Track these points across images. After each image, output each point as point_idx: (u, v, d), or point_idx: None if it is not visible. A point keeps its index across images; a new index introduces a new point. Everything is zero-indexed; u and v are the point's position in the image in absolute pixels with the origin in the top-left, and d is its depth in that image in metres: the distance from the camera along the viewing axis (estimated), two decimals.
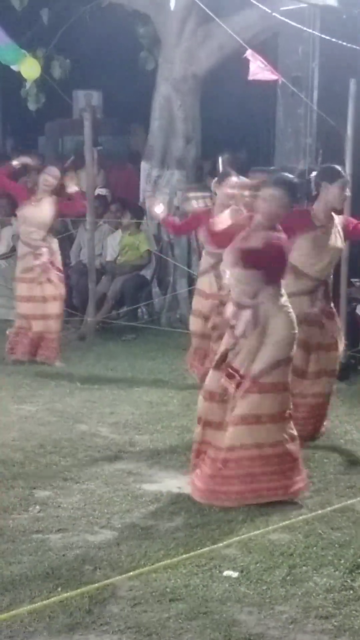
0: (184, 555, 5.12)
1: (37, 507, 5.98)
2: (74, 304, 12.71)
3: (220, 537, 5.47)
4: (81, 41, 13.73)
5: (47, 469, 6.71)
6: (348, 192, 7.43)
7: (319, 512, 5.86)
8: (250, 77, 9.41)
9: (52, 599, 4.61)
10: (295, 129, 11.37)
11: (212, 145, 13.20)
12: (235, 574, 5.04)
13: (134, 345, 11.31)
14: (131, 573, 4.80)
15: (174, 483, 6.49)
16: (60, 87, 13.31)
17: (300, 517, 5.76)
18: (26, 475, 6.55)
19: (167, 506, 6.04)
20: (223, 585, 4.92)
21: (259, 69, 9.35)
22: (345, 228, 7.46)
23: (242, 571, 5.08)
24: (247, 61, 9.51)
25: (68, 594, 4.66)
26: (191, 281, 12.05)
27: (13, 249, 13.46)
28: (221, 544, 5.31)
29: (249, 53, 9.39)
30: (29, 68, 12.04)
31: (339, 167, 7.52)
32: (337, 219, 7.44)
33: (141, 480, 6.54)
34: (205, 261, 8.87)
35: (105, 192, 13.72)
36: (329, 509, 5.94)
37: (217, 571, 5.07)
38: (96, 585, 4.74)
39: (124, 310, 12.52)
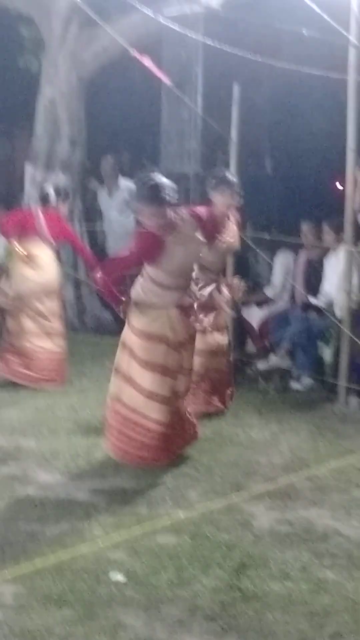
0: (69, 557, 5.08)
1: None
2: None
3: (107, 541, 5.44)
4: None
5: None
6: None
7: (205, 510, 5.89)
8: (146, 64, 9.38)
9: None
10: (179, 133, 11.40)
11: (97, 147, 13.18)
12: (121, 577, 5.01)
13: None
14: (12, 575, 4.72)
15: (60, 488, 6.43)
16: None
17: (185, 517, 5.77)
18: None
19: (53, 510, 5.98)
20: (109, 588, 4.89)
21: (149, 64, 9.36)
22: None
23: (128, 574, 5.05)
24: (132, 65, 9.50)
25: None
26: (77, 284, 12.02)
27: None
28: (107, 544, 5.28)
29: (135, 52, 9.38)
30: None
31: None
32: None
33: (27, 486, 6.46)
34: None
35: None
36: (212, 505, 5.98)
37: (104, 574, 5.04)
38: None
39: None
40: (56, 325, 9.40)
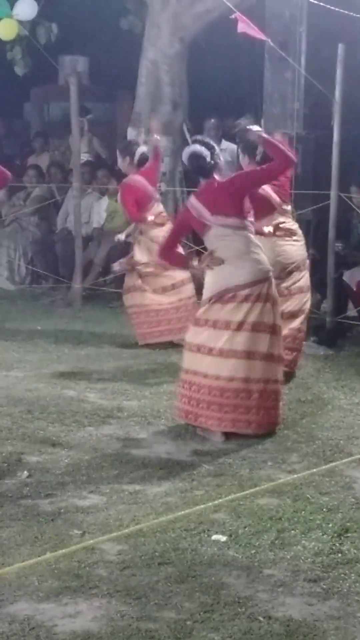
0: (171, 516, 5.15)
1: (26, 472, 5.97)
2: (60, 272, 12.68)
3: (208, 502, 5.48)
4: (68, 5, 13.60)
5: (35, 435, 6.70)
6: None
7: (305, 473, 5.88)
8: (239, 31, 9.31)
9: (40, 558, 4.66)
10: (282, 94, 11.29)
11: (199, 110, 13.13)
12: (223, 538, 5.05)
13: (121, 312, 11.27)
14: (119, 532, 4.80)
15: (162, 448, 6.50)
16: (46, 52, 13.19)
17: (287, 480, 5.78)
18: (14, 441, 6.55)
19: (156, 471, 6.04)
20: (212, 549, 4.92)
21: (247, 27, 9.28)
22: None
23: (230, 535, 5.08)
24: (234, 25, 9.44)
25: (55, 553, 4.68)
26: None
27: None
28: (210, 504, 5.33)
29: (236, 14, 9.31)
30: (5, 28, 12.03)
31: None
32: None
33: (129, 446, 6.53)
34: None
35: (87, 157, 13.62)
36: (315, 470, 5.97)
37: (206, 535, 5.08)
38: (83, 544, 4.77)
39: (110, 277, 12.46)
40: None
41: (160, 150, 10.14)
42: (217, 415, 6.65)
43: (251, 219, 6.76)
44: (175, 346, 9.37)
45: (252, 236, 6.73)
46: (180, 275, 9.40)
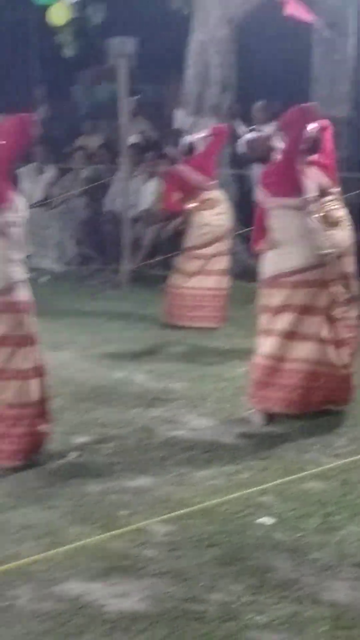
0: (219, 500, 5.18)
1: (75, 453, 6.05)
2: (107, 253, 12.73)
3: (254, 485, 5.51)
4: None
5: (84, 416, 6.78)
6: None
7: (353, 458, 5.88)
8: (287, 13, 9.29)
9: (89, 540, 4.72)
10: (331, 76, 11.24)
11: (247, 92, 13.11)
12: (270, 521, 5.08)
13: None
14: (167, 515, 4.86)
15: (208, 431, 6.54)
16: (95, 34, 13.23)
17: (334, 464, 5.79)
18: (64, 422, 6.60)
19: (202, 454, 6.08)
20: (258, 531, 4.96)
21: (295, 8, 9.26)
22: None
23: (277, 518, 5.12)
24: (282, 7, 9.42)
25: (103, 535, 4.74)
26: None
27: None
28: (257, 488, 5.35)
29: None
30: (57, 13, 12.07)
31: None
32: None
33: (176, 428, 6.59)
34: None
35: (137, 138, 13.64)
36: None
37: (253, 518, 5.11)
38: (131, 526, 4.83)
39: (158, 259, 12.49)
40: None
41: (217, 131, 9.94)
42: (250, 392, 6.71)
43: (308, 195, 6.74)
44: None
45: (308, 218, 6.68)
46: (218, 264, 9.45)
